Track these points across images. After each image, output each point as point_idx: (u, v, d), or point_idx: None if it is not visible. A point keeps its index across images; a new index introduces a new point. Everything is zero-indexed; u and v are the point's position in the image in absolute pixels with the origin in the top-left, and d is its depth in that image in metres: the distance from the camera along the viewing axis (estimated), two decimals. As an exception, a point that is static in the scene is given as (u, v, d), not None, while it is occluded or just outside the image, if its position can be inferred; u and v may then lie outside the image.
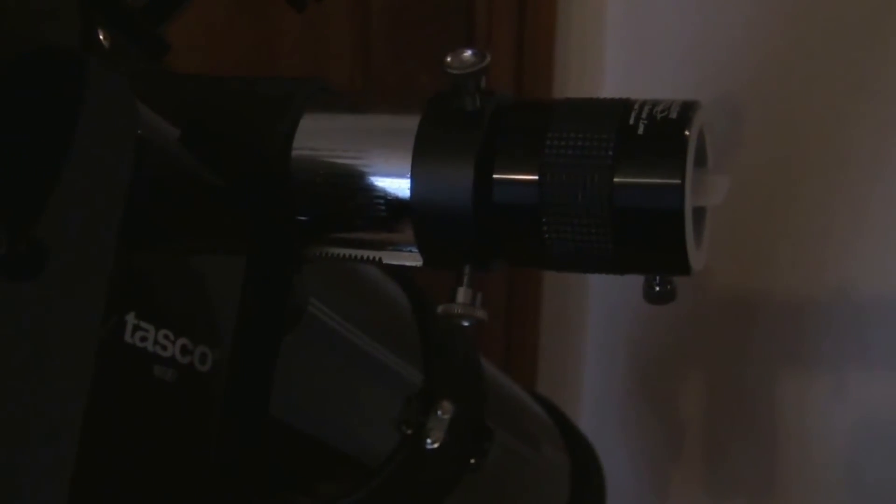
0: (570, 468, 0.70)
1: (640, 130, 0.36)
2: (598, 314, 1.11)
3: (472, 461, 0.54)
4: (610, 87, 1.03)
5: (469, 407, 0.53)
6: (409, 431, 0.50)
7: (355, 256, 0.41)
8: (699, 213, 0.38)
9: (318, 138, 0.40)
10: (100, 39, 0.39)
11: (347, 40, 1.01)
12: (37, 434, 0.30)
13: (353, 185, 0.39)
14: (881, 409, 0.94)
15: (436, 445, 0.50)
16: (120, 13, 0.40)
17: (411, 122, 0.39)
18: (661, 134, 0.36)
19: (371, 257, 0.40)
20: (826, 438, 0.96)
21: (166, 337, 0.34)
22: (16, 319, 0.29)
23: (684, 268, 0.37)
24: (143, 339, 0.33)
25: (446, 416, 0.51)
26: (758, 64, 0.94)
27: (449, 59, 0.38)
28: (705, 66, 0.96)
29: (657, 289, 0.39)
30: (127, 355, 0.33)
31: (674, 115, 0.37)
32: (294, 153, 0.39)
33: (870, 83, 0.90)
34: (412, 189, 0.38)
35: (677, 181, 0.36)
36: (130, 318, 0.33)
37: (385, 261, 0.40)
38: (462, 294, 0.39)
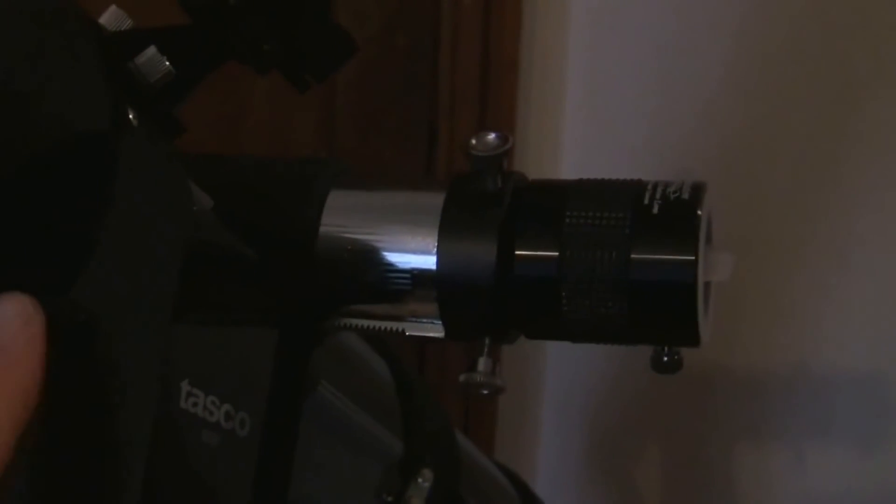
0: None
1: (655, 210, 0.39)
2: (555, 382, 1.12)
3: None
4: (568, 168, 1.06)
5: (446, 475, 0.54)
6: (391, 499, 0.51)
7: (378, 328, 0.42)
8: (706, 287, 0.41)
9: (344, 215, 0.42)
10: (130, 119, 0.41)
11: (312, 117, 1.03)
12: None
13: (379, 260, 0.41)
14: (839, 483, 0.96)
15: None
16: (141, 94, 0.42)
17: (436, 201, 0.41)
18: (675, 213, 0.39)
19: (394, 329, 0.42)
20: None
21: (213, 403, 0.35)
22: (81, 385, 0.31)
23: (694, 339, 0.40)
24: (195, 404, 0.34)
25: (426, 484, 0.52)
26: (718, 142, 0.98)
27: (473, 141, 0.40)
28: (665, 148, 0.99)
29: (665, 359, 0.41)
30: (181, 421, 0.34)
31: (686, 195, 0.39)
32: (321, 230, 0.41)
33: (832, 161, 0.93)
34: (438, 264, 0.40)
35: (691, 257, 0.38)
36: (185, 385, 0.34)
37: (408, 332, 0.42)
38: (483, 364, 0.41)
